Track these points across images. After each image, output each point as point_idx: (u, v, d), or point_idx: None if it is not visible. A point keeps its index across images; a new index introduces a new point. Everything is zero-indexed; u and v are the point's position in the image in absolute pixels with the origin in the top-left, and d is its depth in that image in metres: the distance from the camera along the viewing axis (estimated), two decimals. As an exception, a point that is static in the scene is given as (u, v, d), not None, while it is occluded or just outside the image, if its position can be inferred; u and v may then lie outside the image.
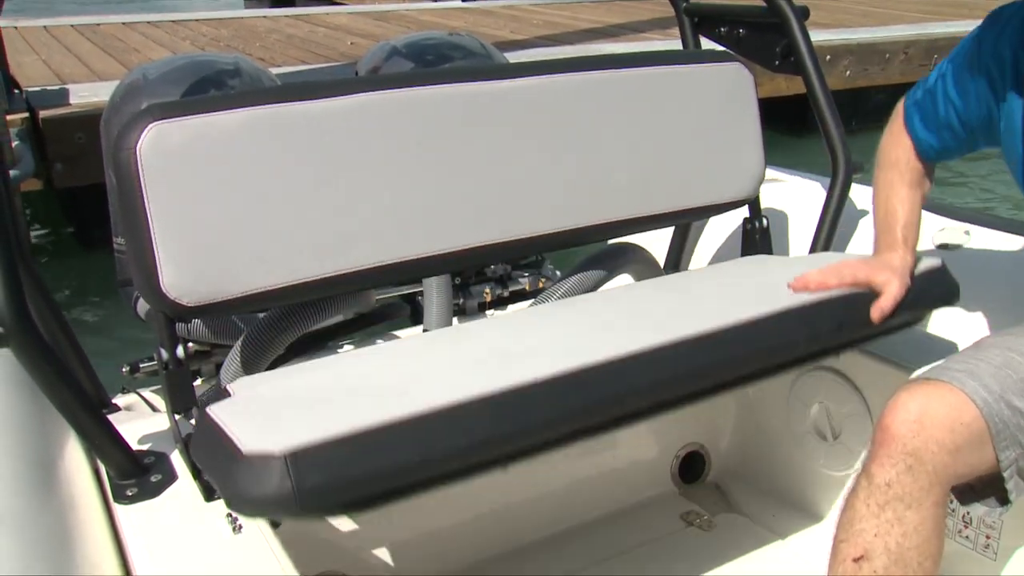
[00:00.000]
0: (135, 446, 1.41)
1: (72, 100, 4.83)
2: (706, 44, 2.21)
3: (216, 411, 1.19)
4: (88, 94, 4.90)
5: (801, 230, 2.07)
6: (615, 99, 1.71)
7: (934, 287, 1.57)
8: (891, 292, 1.47)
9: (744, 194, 1.88)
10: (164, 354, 1.35)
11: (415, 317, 2.18)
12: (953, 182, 6.22)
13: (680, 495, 2.11)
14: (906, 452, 1.26)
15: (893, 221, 1.55)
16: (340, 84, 1.50)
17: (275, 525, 1.30)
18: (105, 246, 2.02)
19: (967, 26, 1.51)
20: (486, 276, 2.39)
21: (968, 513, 1.65)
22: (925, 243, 1.66)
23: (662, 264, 2.13)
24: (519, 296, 2.40)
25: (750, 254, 1.96)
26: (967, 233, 1.89)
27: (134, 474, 1.35)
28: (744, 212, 1.95)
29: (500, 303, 2.38)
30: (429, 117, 1.52)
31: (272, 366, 1.71)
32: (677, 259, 2.26)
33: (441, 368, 1.32)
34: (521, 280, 2.41)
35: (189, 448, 1.30)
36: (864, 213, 2.02)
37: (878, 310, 1.47)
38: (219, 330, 1.89)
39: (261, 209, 1.37)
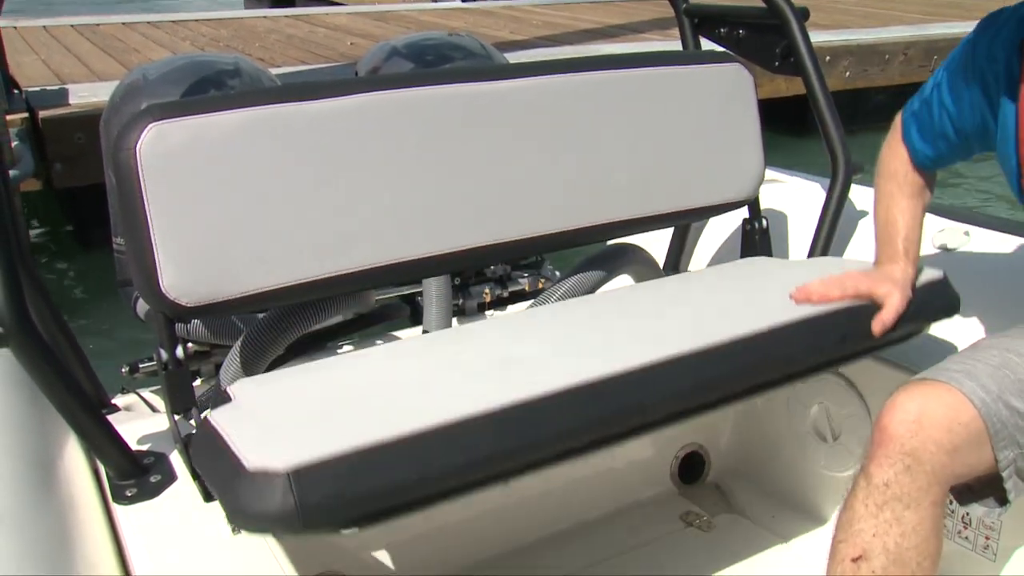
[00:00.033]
0: (134, 446, 1.41)
1: (72, 100, 4.83)
2: (706, 45, 2.22)
3: (217, 418, 1.18)
4: (88, 94, 4.91)
5: (801, 231, 2.07)
6: (615, 100, 1.71)
7: (935, 299, 1.58)
8: (893, 305, 1.48)
9: (744, 195, 1.88)
10: (164, 354, 1.35)
11: (415, 317, 2.18)
12: (952, 183, 6.23)
13: (680, 495, 2.11)
14: (904, 452, 1.26)
15: (894, 232, 1.55)
16: (340, 84, 1.50)
17: None
18: (104, 246, 2.02)
19: (966, 27, 1.51)
20: (486, 276, 2.39)
21: (967, 514, 1.65)
22: (925, 244, 1.66)
23: (661, 265, 2.13)
24: (519, 297, 2.40)
25: (750, 255, 1.96)
26: (967, 234, 1.89)
27: (133, 474, 1.35)
28: (744, 213, 1.95)
29: (500, 303, 2.38)
30: (429, 117, 1.52)
31: (272, 366, 1.71)
32: (677, 260, 2.26)
33: (442, 378, 1.31)
34: (521, 280, 2.41)
35: (190, 452, 1.30)
36: (864, 214, 2.03)
37: (880, 323, 1.47)
38: (219, 330, 1.89)
39: (261, 209, 1.37)
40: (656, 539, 1.96)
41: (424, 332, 1.96)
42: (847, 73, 7.00)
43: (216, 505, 1.27)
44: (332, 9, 9.41)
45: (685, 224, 2.18)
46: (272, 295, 1.40)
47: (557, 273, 2.45)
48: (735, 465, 2.15)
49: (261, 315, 1.73)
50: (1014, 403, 1.32)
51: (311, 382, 1.33)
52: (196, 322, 1.86)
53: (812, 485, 1.97)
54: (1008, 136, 1.41)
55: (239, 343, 1.67)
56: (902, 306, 1.48)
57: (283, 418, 1.20)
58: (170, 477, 1.37)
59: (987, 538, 1.64)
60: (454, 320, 2.11)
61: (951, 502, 1.41)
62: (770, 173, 2.04)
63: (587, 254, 1.92)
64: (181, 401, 1.36)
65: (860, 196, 2.01)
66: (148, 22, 8.02)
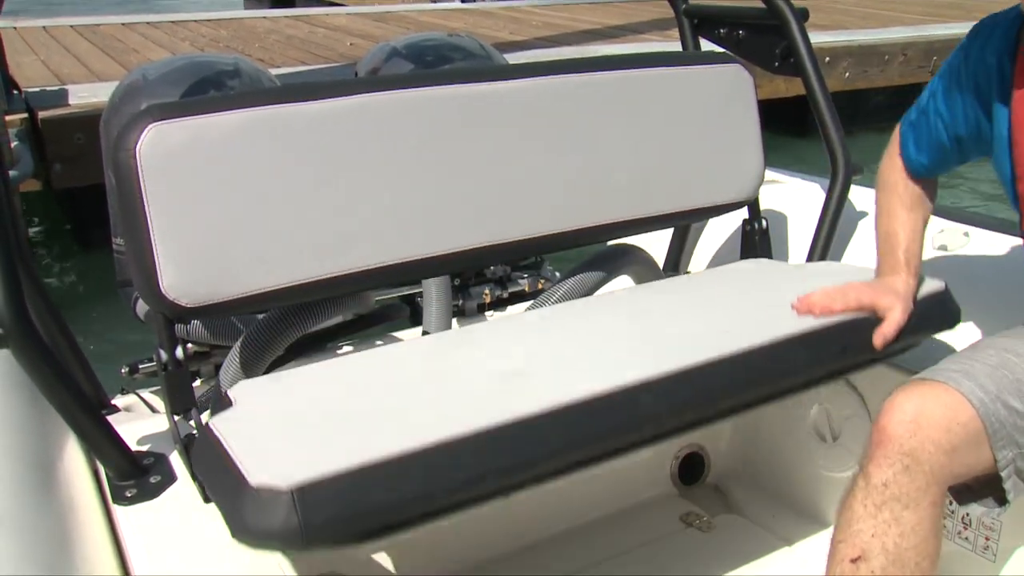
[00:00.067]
0: (134, 447, 1.41)
1: (71, 101, 4.83)
2: (706, 45, 2.22)
3: (219, 426, 1.18)
4: (87, 95, 4.91)
5: (801, 231, 2.07)
6: (614, 100, 1.71)
7: (936, 311, 1.58)
8: (894, 318, 1.48)
9: (744, 195, 1.88)
10: (163, 355, 1.35)
11: (414, 318, 2.18)
12: (952, 183, 6.23)
13: (679, 496, 2.11)
14: (903, 452, 1.26)
15: (895, 244, 1.56)
16: (340, 85, 1.50)
17: None
18: (104, 247, 2.02)
19: (966, 28, 1.51)
20: (485, 277, 2.39)
21: (968, 515, 1.65)
22: (925, 245, 1.66)
23: (661, 265, 2.13)
24: (518, 297, 2.40)
25: (750, 256, 1.96)
26: (966, 235, 1.90)
27: (133, 475, 1.35)
28: (744, 213, 1.95)
29: (499, 304, 2.38)
30: (429, 118, 1.52)
31: (271, 367, 1.71)
32: (676, 260, 2.26)
33: (444, 390, 1.31)
34: (520, 281, 2.41)
35: (191, 459, 1.30)
36: (864, 214, 2.03)
37: (881, 336, 1.48)
38: (218, 331, 1.89)
39: (260, 210, 1.37)
40: (656, 540, 1.96)
41: (424, 333, 1.96)
42: (846, 74, 7.00)
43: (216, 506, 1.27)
44: (332, 10, 9.41)
45: (685, 225, 2.18)
46: (272, 295, 1.40)
47: (557, 274, 2.44)
48: (735, 466, 2.15)
49: (261, 316, 1.73)
50: (1012, 403, 1.32)
51: (312, 389, 1.33)
52: (196, 323, 1.86)
53: (812, 486, 1.97)
54: (1002, 142, 1.42)
55: (239, 344, 1.67)
56: (903, 319, 1.49)
57: (285, 429, 1.19)
58: (170, 478, 1.37)
59: (987, 539, 1.64)
60: (454, 321, 2.11)
61: (951, 503, 1.41)
62: (770, 174, 2.04)
63: (587, 255, 1.92)
64: (181, 402, 1.36)
65: (860, 197, 2.01)
66: (147, 22, 8.03)
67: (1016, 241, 1.84)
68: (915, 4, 9.56)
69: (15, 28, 7.17)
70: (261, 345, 1.66)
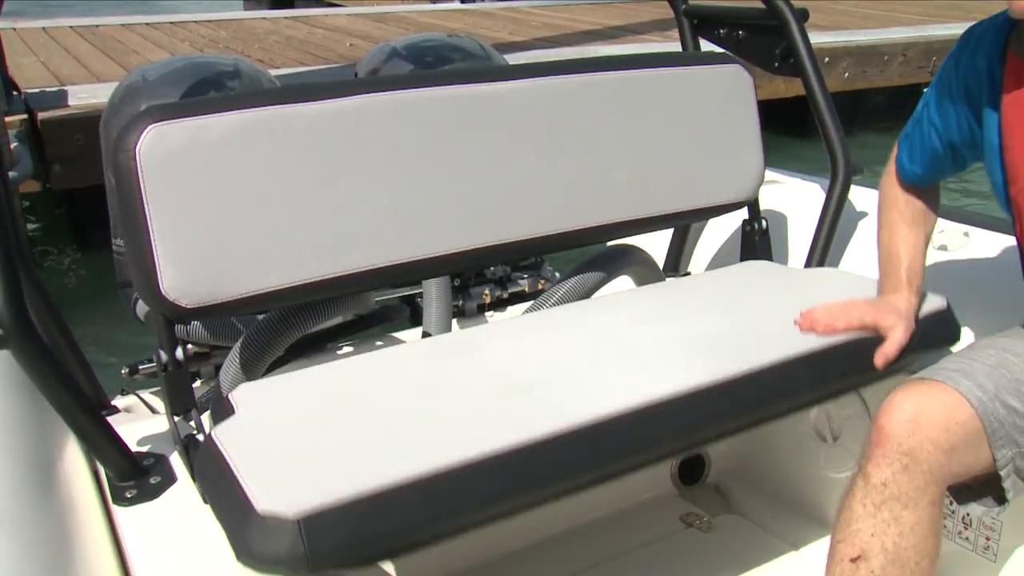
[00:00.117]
0: (134, 448, 1.41)
1: (71, 102, 4.82)
2: (705, 46, 2.22)
3: (223, 438, 1.18)
4: (87, 96, 4.90)
5: (801, 232, 2.07)
6: (614, 101, 1.71)
7: (937, 330, 1.58)
8: (896, 338, 1.48)
9: (744, 196, 1.88)
10: (163, 356, 1.35)
11: (414, 319, 2.18)
12: (952, 183, 6.22)
13: (680, 496, 2.11)
14: (901, 452, 1.27)
15: (897, 262, 1.56)
16: (339, 86, 1.50)
17: None
18: (104, 247, 2.02)
19: (965, 28, 1.51)
20: (485, 278, 2.39)
21: (968, 514, 1.65)
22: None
23: (661, 266, 2.13)
24: (518, 298, 2.40)
25: (749, 256, 1.96)
26: (966, 235, 1.90)
27: (133, 476, 1.35)
28: (743, 214, 1.95)
29: (499, 305, 2.38)
30: (428, 119, 1.52)
31: (271, 368, 1.71)
32: (676, 260, 2.26)
33: (449, 405, 1.30)
34: (520, 282, 2.41)
35: (192, 465, 1.30)
36: (864, 215, 2.03)
37: (883, 356, 1.48)
38: (218, 332, 1.89)
39: (260, 211, 1.37)
40: (656, 540, 1.96)
41: (424, 334, 1.96)
42: (846, 74, 7.00)
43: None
44: (331, 10, 9.41)
45: (685, 225, 2.18)
46: (272, 296, 1.40)
47: (557, 274, 2.44)
48: (735, 466, 2.15)
49: (260, 316, 1.73)
50: (1011, 402, 1.32)
51: (315, 398, 1.32)
52: (196, 324, 1.86)
53: (812, 486, 1.97)
54: (992, 147, 1.42)
55: (239, 345, 1.67)
56: (905, 338, 1.49)
57: (289, 447, 1.19)
58: (170, 478, 1.37)
59: (987, 539, 1.64)
60: (454, 321, 2.11)
61: (950, 502, 1.41)
62: (770, 174, 2.04)
63: (587, 255, 1.92)
64: (181, 402, 1.36)
65: (860, 197, 2.01)
66: (147, 23, 8.02)
67: (1015, 241, 1.84)
68: (915, 4, 9.56)
69: (15, 29, 7.17)
70: (261, 346, 1.66)
